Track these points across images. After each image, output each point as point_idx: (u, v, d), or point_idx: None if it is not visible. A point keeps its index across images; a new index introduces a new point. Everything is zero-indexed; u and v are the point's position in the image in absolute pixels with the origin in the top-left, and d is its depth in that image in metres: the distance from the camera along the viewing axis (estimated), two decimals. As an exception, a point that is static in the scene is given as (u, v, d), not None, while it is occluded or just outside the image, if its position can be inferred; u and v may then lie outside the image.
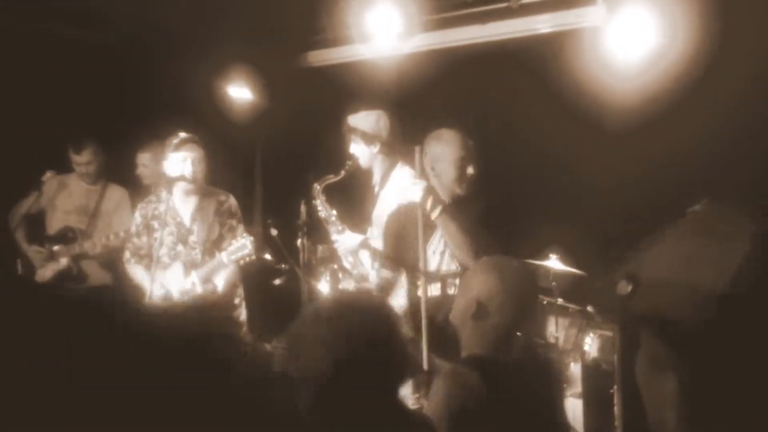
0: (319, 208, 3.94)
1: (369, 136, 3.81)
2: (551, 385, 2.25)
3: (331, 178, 3.91)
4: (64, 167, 4.74)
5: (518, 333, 2.20)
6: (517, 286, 2.24)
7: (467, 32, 4.74)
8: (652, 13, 3.91)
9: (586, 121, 4.23)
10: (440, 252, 3.41)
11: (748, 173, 3.37)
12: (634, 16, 3.94)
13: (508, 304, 2.21)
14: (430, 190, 3.29)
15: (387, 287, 3.61)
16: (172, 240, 3.88)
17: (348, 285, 3.94)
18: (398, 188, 3.66)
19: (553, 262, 4.30)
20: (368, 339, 1.73)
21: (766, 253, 0.66)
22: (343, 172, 3.89)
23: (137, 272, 3.99)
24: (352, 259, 3.87)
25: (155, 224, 3.89)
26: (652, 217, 3.93)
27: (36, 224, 4.68)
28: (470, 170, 3.37)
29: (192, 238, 3.89)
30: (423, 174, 3.36)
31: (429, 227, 3.35)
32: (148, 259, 3.90)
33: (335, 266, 4.07)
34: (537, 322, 4.38)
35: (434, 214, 3.29)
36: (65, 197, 4.69)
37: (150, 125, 4.69)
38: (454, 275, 3.38)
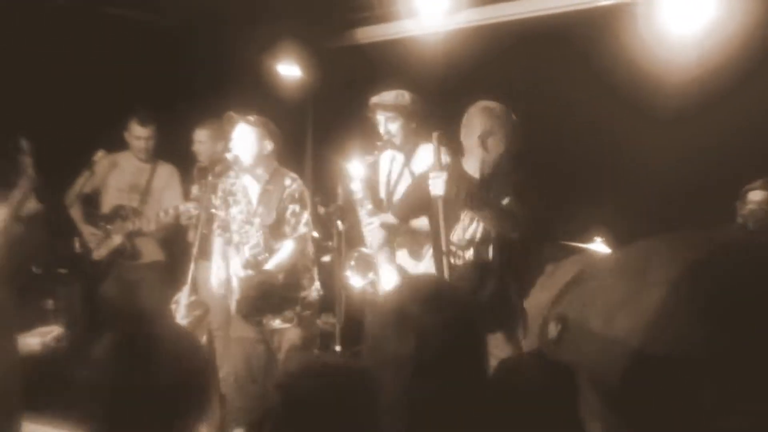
0: (354, 189, 3.92)
1: (407, 113, 3.80)
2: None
3: (369, 158, 3.90)
4: (114, 146, 4.85)
5: None
6: None
7: (516, 7, 4.63)
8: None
9: (637, 99, 4.08)
10: (470, 217, 3.31)
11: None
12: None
13: None
14: (452, 181, 3.21)
15: (391, 229, 3.65)
16: (242, 219, 3.87)
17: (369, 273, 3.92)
18: (423, 167, 3.66)
19: (598, 245, 4.18)
20: (462, 327, 1.70)
21: (685, 291, 0.60)
22: (376, 152, 3.88)
23: (217, 244, 3.98)
24: (377, 244, 3.82)
25: (230, 200, 3.91)
26: (704, 199, 3.81)
27: (90, 203, 4.81)
28: (516, 145, 3.28)
29: (257, 220, 3.85)
30: (440, 163, 3.30)
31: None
32: (227, 233, 3.93)
33: (359, 252, 4.05)
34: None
35: (466, 205, 3.22)
36: (117, 175, 4.80)
37: (200, 105, 4.75)
38: (485, 241, 3.30)
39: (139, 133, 4.75)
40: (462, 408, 1.61)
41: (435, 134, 3.33)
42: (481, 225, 3.27)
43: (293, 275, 3.87)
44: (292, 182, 3.84)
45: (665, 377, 0.60)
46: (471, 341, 1.70)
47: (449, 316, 1.68)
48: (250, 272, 3.78)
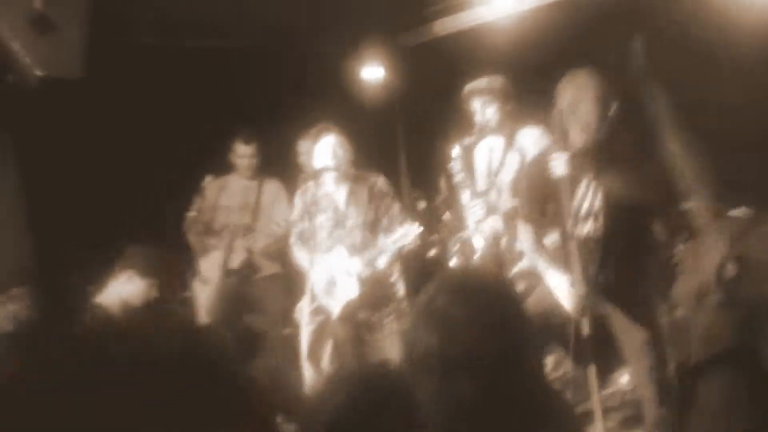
0: (456, 170, 4.02)
1: (503, 95, 3.86)
2: None
3: (467, 140, 3.99)
4: (219, 170, 5.10)
5: None
6: None
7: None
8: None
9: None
10: (593, 213, 3.25)
11: None
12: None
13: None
14: (575, 160, 3.15)
15: (513, 215, 3.65)
16: (331, 225, 4.10)
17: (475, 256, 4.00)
18: (526, 149, 3.70)
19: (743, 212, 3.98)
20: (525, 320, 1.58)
21: None
22: (475, 135, 3.96)
23: (301, 255, 4.25)
24: (484, 228, 3.89)
25: (314, 210, 4.13)
26: None
27: (205, 225, 5.05)
28: (614, 107, 3.19)
29: (349, 222, 4.09)
30: (558, 137, 3.23)
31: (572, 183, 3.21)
32: (311, 242, 4.14)
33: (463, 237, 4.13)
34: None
35: (590, 182, 3.16)
36: (227, 196, 5.04)
37: (295, 118, 4.94)
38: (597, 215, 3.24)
39: (243, 152, 5.00)
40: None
41: (555, 112, 3.23)
42: (600, 194, 3.21)
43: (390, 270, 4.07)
44: (376, 179, 4.07)
45: None
46: (505, 336, 1.52)
47: (476, 309, 1.53)
48: (359, 271, 3.96)
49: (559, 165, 3.14)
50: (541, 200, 3.39)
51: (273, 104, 5.40)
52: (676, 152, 2.28)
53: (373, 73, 5.63)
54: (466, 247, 4.08)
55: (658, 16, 4.20)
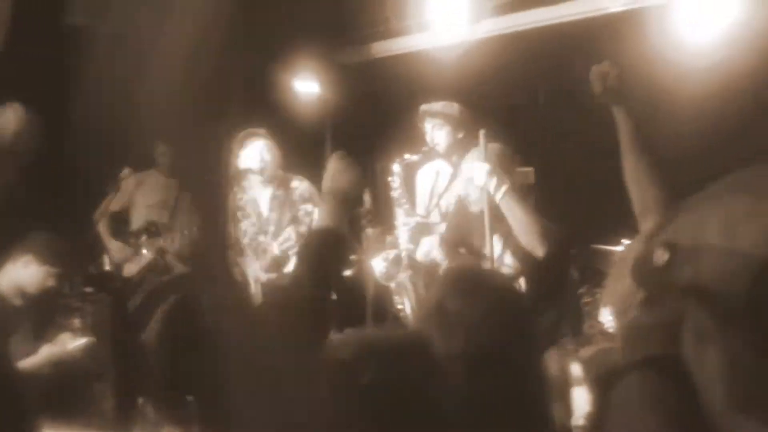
0: (394, 186, 3.98)
1: (455, 121, 3.87)
2: None
3: (410, 159, 3.97)
4: (139, 164, 4.91)
5: None
6: None
7: (536, 15, 4.70)
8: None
9: (656, 105, 4.09)
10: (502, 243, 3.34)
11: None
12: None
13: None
14: (493, 172, 3.22)
15: (432, 272, 3.63)
16: (254, 231, 3.99)
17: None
18: (469, 176, 3.68)
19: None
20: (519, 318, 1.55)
21: None
22: (420, 155, 3.95)
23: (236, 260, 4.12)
24: (412, 246, 3.87)
25: (239, 215, 4.03)
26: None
27: (119, 220, 4.87)
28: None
29: (271, 228, 3.99)
30: (487, 157, 3.30)
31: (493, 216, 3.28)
32: (236, 248, 4.03)
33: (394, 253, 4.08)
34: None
35: (498, 196, 3.22)
36: (145, 193, 4.88)
37: (222, 122, 4.80)
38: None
39: (164, 150, 4.83)
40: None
41: (481, 131, 3.30)
42: (504, 239, 3.30)
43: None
44: (299, 183, 4.01)
45: None
46: (519, 332, 1.51)
47: (489, 306, 1.51)
48: (272, 275, 3.88)
49: (480, 174, 3.20)
50: (468, 233, 3.46)
51: (208, 104, 5.23)
52: (635, 177, 2.33)
53: (306, 86, 5.57)
54: (397, 264, 4.03)
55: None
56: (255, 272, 3.95)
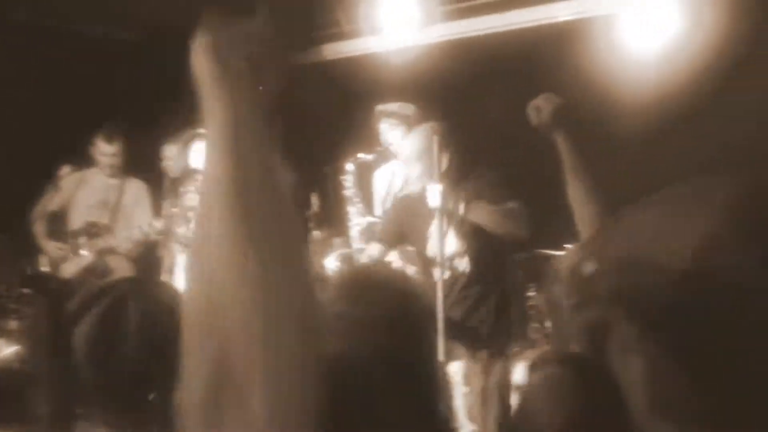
0: (347, 185, 3.95)
1: (410, 122, 3.86)
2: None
3: (364, 158, 3.96)
4: (80, 162, 4.76)
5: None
6: None
7: (484, 22, 4.74)
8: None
9: (600, 115, 4.14)
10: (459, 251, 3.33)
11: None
12: (652, 1, 3.91)
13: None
14: (448, 192, 3.20)
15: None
16: None
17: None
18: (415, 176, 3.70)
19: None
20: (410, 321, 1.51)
21: (733, 223, 0.62)
22: (375, 154, 3.95)
23: (180, 260, 4.12)
24: (364, 246, 3.87)
25: (191, 215, 3.95)
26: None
27: (57, 220, 4.72)
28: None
29: None
30: (439, 167, 3.27)
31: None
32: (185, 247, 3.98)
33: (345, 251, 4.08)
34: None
35: (461, 210, 3.23)
36: (86, 192, 4.72)
37: (170, 120, 4.72)
38: (461, 256, 3.33)
39: (105, 150, 4.69)
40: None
41: (434, 137, 3.23)
42: (458, 238, 3.30)
43: None
44: None
45: (712, 300, 0.64)
46: (412, 331, 1.48)
47: (374, 309, 1.47)
48: None
49: (434, 195, 3.17)
50: (406, 231, 3.46)
51: (147, 102, 5.14)
52: (575, 196, 2.41)
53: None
54: (349, 263, 4.01)
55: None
56: None
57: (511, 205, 3.22)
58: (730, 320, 0.71)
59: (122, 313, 1.50)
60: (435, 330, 1.58)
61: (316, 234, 4.30)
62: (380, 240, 3.59)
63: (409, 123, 3.86)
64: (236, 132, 0.84)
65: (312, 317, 0.85)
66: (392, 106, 3.97)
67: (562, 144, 2.48)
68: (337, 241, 4.24)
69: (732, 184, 0.78)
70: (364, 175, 4.07)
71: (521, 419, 1.96)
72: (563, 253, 4.20)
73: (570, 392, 1.92)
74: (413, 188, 3.23)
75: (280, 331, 0.80)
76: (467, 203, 3.23)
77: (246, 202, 0.81)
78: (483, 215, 3.22)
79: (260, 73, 0.90)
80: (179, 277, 3.94)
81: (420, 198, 3.28)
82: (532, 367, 2.08)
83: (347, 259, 3.97)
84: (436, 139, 3.24)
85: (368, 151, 3.97)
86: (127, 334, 1.49)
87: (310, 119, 5.47)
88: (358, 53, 5.35)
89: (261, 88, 0.91)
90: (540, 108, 2.50)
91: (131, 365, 1.47)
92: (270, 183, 0.85)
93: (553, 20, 4.48)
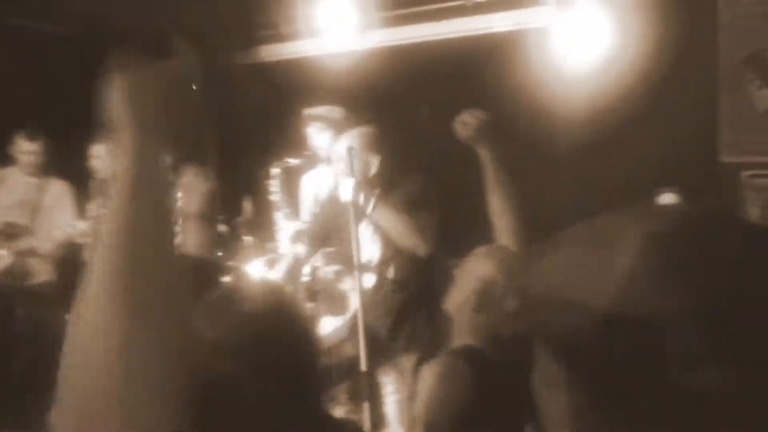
0: (274, 190, 3.88)
1: (338, 126, 3.81)
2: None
3: (291, 162, 3.90)
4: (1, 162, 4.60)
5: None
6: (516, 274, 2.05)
7: (421, 30, 4.74)
8: (604, 12, 3.93)
9: (532, 128, 4.16)
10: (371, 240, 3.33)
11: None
12: (585, 15, 3.96)
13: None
14: (360, 187, 3.16)
15: (297, 265, 3.61)
16: None
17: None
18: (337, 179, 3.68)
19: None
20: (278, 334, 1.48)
21: (651, 262, 0.62)
22: (303, 159, 3.89)
23: None
24: (291, 250, 3.82)
25: None
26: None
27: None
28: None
29: None
30: (366, 172, 3.27)
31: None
32: None
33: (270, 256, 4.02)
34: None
35: (369, 209, 3.20)
36: (5, 192, 4.57)
37: (98, 119, 4.56)
38: (386, 262, 3.33)
39: (26, 149, 4.53)
40: None
41: (363, 142, 3.28)
42: (380, 242, 3.29)
43: None
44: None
45: (632, 338, 0.63)
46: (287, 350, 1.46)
47: (238, 329, 1.45)
48: None
49: (346, 189, 3.11)
50: (331, 233, 3.44)
51: (83, 101, 4.97)
52: (495, 209, 2.48)
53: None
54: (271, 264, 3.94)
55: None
56: None
57: (418, 217, 3.20)
58: (652, 360, 0.70)
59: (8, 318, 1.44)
60: (310, 340, 1.57)
61: (248, 239, 4.22)
62: (306, 242, 3.58)
63: (337, 127, 3.82)
64: (136, 189, 0.83)
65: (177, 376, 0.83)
66: (320, 110, 3.91)
67: (485, 157, 2.60)
68: (269, 245, 4.18)
69: (652, 221, 0.77)
70: (292, 179, 4.01)
71: (423, 409, 2.00)
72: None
73: (460, 378, 1.97)
74: (339, 191, 3.19)
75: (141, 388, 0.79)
76: (376, 207, 3.19)
77: (134, 269, 0.80)
78: (388, 223, 3.21)
79: (172, 115, 0.89)
80: None
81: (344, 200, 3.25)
82: (431, 362, 2.16)
83: (273, 264, 3.91)
84: (364, 143, 3.25)
85: (297, 155, 3.91)
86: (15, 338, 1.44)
87: (246, 121, 5.40)
88: (295, 56, 5.29)
89: (170, 127, 0.89)
90: (465, 123, 2.61)
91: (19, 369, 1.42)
92: (162, 245, 0.84)
93: (489, 31, 4.50)
